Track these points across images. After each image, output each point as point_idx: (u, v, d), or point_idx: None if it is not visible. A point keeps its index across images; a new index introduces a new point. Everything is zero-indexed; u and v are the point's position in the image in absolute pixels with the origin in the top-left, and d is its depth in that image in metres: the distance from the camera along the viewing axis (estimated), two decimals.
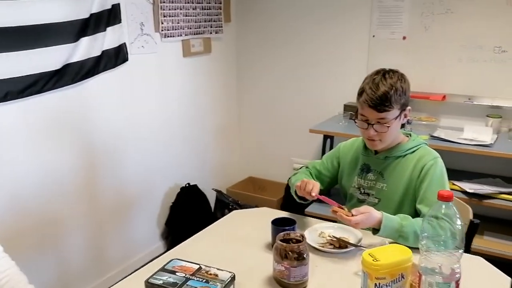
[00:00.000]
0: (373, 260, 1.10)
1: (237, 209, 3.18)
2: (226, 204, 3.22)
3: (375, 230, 1.43)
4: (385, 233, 1.40)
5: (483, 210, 2.39)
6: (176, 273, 1.22)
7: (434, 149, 1.61)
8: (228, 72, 3.51)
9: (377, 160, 1.63)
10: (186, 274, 1.21)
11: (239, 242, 1.54)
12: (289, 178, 1.82)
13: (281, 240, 1.29)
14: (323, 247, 1.46)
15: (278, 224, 1.47)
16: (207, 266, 1.26)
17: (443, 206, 1.03)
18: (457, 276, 1.05)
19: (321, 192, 1.82)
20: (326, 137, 2.96)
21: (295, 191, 1.66)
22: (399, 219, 1.42)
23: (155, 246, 3.02)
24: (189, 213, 3.01)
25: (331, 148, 3.09)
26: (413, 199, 1.56)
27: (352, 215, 1.40)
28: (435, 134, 2.56)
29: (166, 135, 2.98)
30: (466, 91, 2.73)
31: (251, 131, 3.66)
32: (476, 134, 2.49)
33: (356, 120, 1.58)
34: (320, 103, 3.25)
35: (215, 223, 1.72)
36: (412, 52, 2.86)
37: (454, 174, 2.31)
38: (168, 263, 1.29)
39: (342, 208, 1.50)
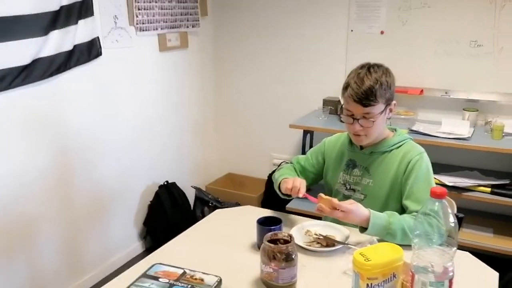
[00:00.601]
0: (365, 260, 1.08)
1: (217, 206, 3.14)
2: (205, 201, 3.16)
3: (363, 229, 1.41)
4: (373, 231, 1.39)
5: (461, 203, 2.41)
6: (159, 279, 1.16)
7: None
8: (206, 67, 3.43)
9: (362, 155, 1.61)
10: (169, 280, 1.16)
11: (223, 243, 1.49)
12: (273, 174, 1.78)
13: (268, 241, 1.25)
14: (310, 246, 1.43)
15: (264, 224, 1.43)
16: (192, 271, 1.21)
17: (436, 204, 1.01)
18: (450, 274, 1.03)
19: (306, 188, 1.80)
20: (306, 132, 2.94)
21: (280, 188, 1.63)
22: (387, 216, 1.41)
23: (133, 247, 2.93)
24: (168, 211, 2.93)
25: (311, 143, 3.07)
26: (399, 194, 1.55)
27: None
28: (414, 128, 2.58)
29: (142, 132, 2.89)
30: (443, 85, 2.75)
31: (229, 127, 3.60)
32: (454, 127, 2.52)
33: (341, 115, 1.56)
34: (300, 98, 3.22)
35: (197, 223, 1.66)
36: (390, 46, 2.86)
37: (432, 167, 2.31)
38: (150, 268, 1.23)
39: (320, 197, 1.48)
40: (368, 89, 1.44)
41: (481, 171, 2.62)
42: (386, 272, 1.09)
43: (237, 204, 3.17)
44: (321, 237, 1.46)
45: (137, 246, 2.96)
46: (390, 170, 1.55)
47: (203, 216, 3.12)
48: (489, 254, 2.28)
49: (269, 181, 3.28)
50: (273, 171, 3.29)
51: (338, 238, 1.47)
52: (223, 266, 1.34)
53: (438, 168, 2.62)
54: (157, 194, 2.96)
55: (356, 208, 1.39)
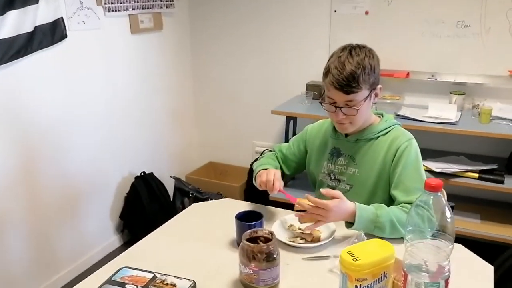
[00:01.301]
0: (353, 260, 0.97)
1: (197, 197, 3.02)
2: (185, 192, 3.04)
3: (349, 224, 1.31)
4: (360, 225, 1.28)
5: (449, 189, 2.33)
6: (126, 286, 1.04)
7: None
8: (182, 51, 3.27)
9: (347, 143, 1.51)
10: (137, 286, 1.04)
11: (200, 241, 1.37)
12: (253, 163, 1.67)
13: (247, 240, 1.13)
14: (293, 242, 1.32)
15: (243, 219, 1.32)
16: (163, 275, 1.09)
17: (431, 197, 0.91)
18: (446, 274, 0.93)
19: (288, 177, 1.70)
20: (289, 118, 2.83)
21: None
22: (374, 209, 1.31)
23: (110, 241, 2.80)
24: (145, 203, 2.80)
25: (294, 130, 2.96)
26: (387, 184, 1.45)
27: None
28: (400, 113, 2.49)
29: (115, 121, 2.73)
30: (429, 68, 2.66)
31: (209, 114, 3.46)
32: (441, 111, 2.43)
33: (323, 103, 1.44)
34: (282, 83, 3.10)
35: (172, 219, 1.54)
36: (375, 27, 2.75)
37: None
38: (116, 273, 1.10)
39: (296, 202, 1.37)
40: (349, 74, 1.32)
41: (468, 156, 2.55)
42: (376, 272, 0.99)
43: (219, 194, 3.05)
44: (307, 232, 1.36)
45: (114, 240, 2.83)
46: (377, 158, 1.45)
47: (183, 207, 3.00)
48: (477, 240, 2.23)
49: (252, 170, 3.17)
50: (256, 159, 3.21)
51: (324, 232, 1.36)
52: (199, 267, 1.22)
53: (424, 153, 2.47)
54: (133, 186, 2.82)
55: (336, 205, 1.28)
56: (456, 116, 2.38)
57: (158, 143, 3.14)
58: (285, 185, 1.66)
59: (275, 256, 1.11)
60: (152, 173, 2.92)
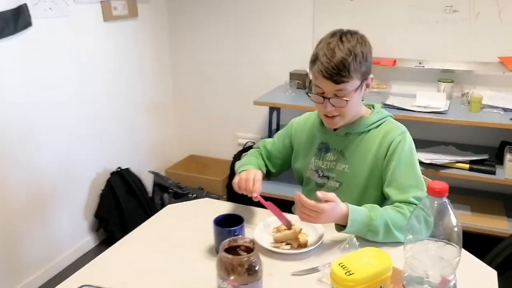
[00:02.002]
0: (346, 274, 0.86)
1: (177, 192, 2.89)
2: (165, 187, 2.91)
3: (340, 227, 1.20)
4: (353, 229, 1.17)
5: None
6: None
7: None
8: (159, 40, 3.10)
9: (336, 137, 1.39)
10: None
11: (174, 249, 1.24)
12: (235, 157, 1.54)
13: (226, 250, 1.01)
14: (278, 247, 1.20)
15: (222, 223, 1.19)
16: None
17: (435, 203, 0.80)
18: (451, 284, 0.83)
19: (273, 175, 1.57)
20: (272, 109, 2.70)
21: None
22: (367, 211, 1.20)
23: (84, 241, 2.65)
24: (122, 200, 2.65)
25: (278, 121, 2.84)
26: (380, 181, 1.34)
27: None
28: (388, 102, 2.38)
29: (88, 114, 2.56)
30: (416, 55, 2.56)
31: (189, 105, 3.30)
32: (429, 100, 2.34)
33: (309, 94, 1.32)
34: (264, 72, 2.96)
35: (144, 223, 1.40)
36: (360, 14, 2.63)
37: None
38: None
39: (289, 226, 1.26)
40: (340, 62, 1.20)
41: (457, 145, 2.48)
42: (372, 286, 0.88)
43: (200, 189, 2.93)
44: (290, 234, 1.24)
45: (88, 241, 2.68)
46: (369, 154, 1.34)
47: (163, 203, 2.87)
48: (468, 233, 2.15)
49: (235, 163, 3.04)
50: (239, 152, 3.09)
51: (311, 236, 1.25)
52: (172, 278, 1.10)
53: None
54: (108, 182, 2.67)
55: (330, 208, 1.16)
56: (445, 105, 2.29)
57: (135, 136, 2.98)
58: (268, 179, 1.55)
59: (256, 268, 0.98)
60: (128, 169, 2.77)
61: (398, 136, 1.31)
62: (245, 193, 1.32)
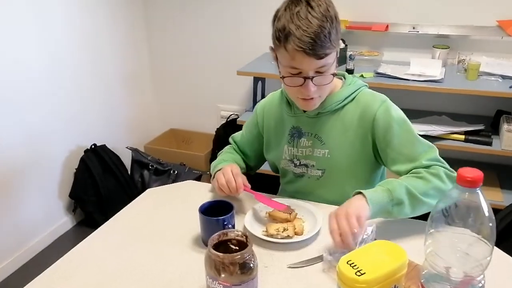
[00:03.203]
0: (356, 273, 0.74)
1: (158, 169, 2.73)
2: (145, 164, 2.74)
3: None
4: (375, 209, 1.01)
5: None
6: None
7: (381, 88, 1.30)
8: (134, 7, 2.85)
9: (307, 119, 1.22)
10: None
11: (155, 239, 1.10)
12: (212, 163, 1.36)
13: (215, 246, 0.88)
14: (271, 236, 1.07)
15: (209, 211, 1.06)
16: None
17: (466, 194, 0.67)
18: (479, 286, 0.72)
19: (254, 169, 1.43)
20: (257, 79, 2.54)
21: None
22: (381, 187, 1.06)
23: (60, 223, 2.49)
24: (98, 179, 2.48)
25: (263, 92, 2.69)
26: (367, 161, 1.21)
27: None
28: (380, 71, 2.24)
29: (57, 86, 2.35)
30: (410, 20, 2.40)
31: (168, 76, 3.10)
32: (424, 68, 2.20)
33: (283, 78, 1.11)
34: (247, 40, 2.77)
35: (121, 211, 1.25)
36: None
37: None
38: None
39: (290, 211, 1.13)
40: (320, 32, 1.02)
41: (450, 115, 2.37)
42: (386, 287, 0.76)
43: (182, 165, 2.77)
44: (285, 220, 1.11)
45: (65, 222, 2.52)
46: (349, 132, 1.18)
47: (143, 181, 2.71)
48: None
49: (218, 137, 2.89)
50: (222, 125, 2.93)
51: (309, 221, 1.13)
52: (154, 277, 0.96)
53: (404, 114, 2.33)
54: (82, 160, 2.48)
55: (341, 207, 1.00)
56: (440, 73, 2.16)
57: (110, 111, 2.78)
58: (250, 173, 1.41)
59: (251, 266, 0.86)
60: (104, 145, 2.59)
61: (380, 107, 1.15)
62: (228, 193, 1.16)
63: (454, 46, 2.34)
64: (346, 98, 1.18)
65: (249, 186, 1.19)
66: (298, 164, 1.26)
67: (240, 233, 0.90)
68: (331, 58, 1.07)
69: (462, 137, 2.12)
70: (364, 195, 1.02)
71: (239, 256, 0.83)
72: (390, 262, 0.77)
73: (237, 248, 0.91)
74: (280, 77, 1.12)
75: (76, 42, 2.44)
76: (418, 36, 2.42)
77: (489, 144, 2.07)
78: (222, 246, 0.90)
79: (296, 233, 1.08)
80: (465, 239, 0.69)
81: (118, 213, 1.23)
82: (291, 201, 1.20)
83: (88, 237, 1.13)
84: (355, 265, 0.76)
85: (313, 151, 1.23)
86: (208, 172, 2.80)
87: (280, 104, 1.28)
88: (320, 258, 1.01)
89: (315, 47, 1.02)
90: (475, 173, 0.66)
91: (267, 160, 1.39)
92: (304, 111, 1.21)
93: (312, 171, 1.25)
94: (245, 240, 0.89)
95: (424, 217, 1.10)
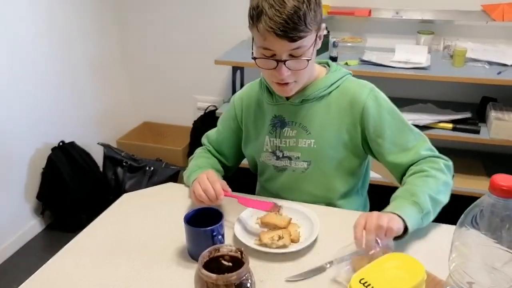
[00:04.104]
0: None
1: (133, 165, 2.58)
2: (118, 161, 2.58)
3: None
4: (412, 223, 0.94)
5: None
6: None
7: (366, 76, 1.25)
8: None
9: (291, 107, 1.14)
10: None
11: (134, 253, 0.98)
12: (184, 173, 1.25)
13: (205, 264, 0.76)
14: (266, 246, 0.97)
15: (195, 221, 0.94)
16: None
17: (500, 204, 0.58)
18: None
19: (231, 170, 1.32)
20: (235, 69, 2.41)
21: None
22: (403, 198, 0.99)
23: (28, 226, 2.31)
24: (68, 179, 2.31)
25: (241, 81, 2.56)
26: (355, 150, 1.14)
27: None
28: (365, 58, 2.15)
29: (19, 80, 2.16)
30: (393, 4, 2.32)
31: (140, 66, 2.92)
32: (410, 54, 2.13)
33: (255, 59, 1.04)
34: (225, 27, 2.62)
35: (94, 221, 1.11)
36: None
37: None
38: None
39: (277, 208, 1.04)
40: (293, 13, 0.94)
41: (435, 102, 2.31)
42: None
43: (159, 161, 2.63)
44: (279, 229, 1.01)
45: (33, 225, 2.34)
46: (335, 120, 1.12)
47: (117, 179, 2.55)
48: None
49: (195, 129, 2.76)
50: (199, 118, 2.80)
51: (304, 227, 1.03)
52: None
53: None
54: (50, 159, 2.31)
55: (369, 214, 0.92)
56: (426, 60, 2.09)
57: (79, 104, 2.59)
58: (229, 176, 1.29)
59: (248, 285, 0.75)
60: (73, 142, 2.41)
61: (369, 96, 1.09)
62: (209, 204, 1.03)
63: (438, 32, 2.27)
64: (331, 85, 1.12)
65: (229, 190, 1.08)
66: (281, 156, 1.18)
67: (234, 248, 0.79)
68: (307, 42, 1.00)
69: (450, 125, 2.06)
70: (400, 217, 0.93)
71: (235, 277, 0.72)
72: (408, 279, 0.68)
73: (230, 264, 0.80)
74: (252, 58, 1.04)
75: (38, 28, 2.24)
76: (402, 22, 2.34)
77: (477, 132, 2.03)
78: (213, 262, 0.80)
79: (292, 241, 0.98)
80: (495, 253, 0.60)
81: (91, 224, 1.09)
82: (292, 206, 1.09)
83: (58, 253, 1.00)
84: (368, 284, 0.66)
85: (298, 142, 1.15)
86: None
87: (258, 94, 1.20)
88: (321, 269, 0.91)
89: (287, 28, 0.95)
90: (510, 181, 0.56)
91: (246, 155, 1.29)
92: (287, 99, 1.14)
93: (297, 163, 1.16)
94: (240, 256, 0.78)
95: (439, 219, 1.05)
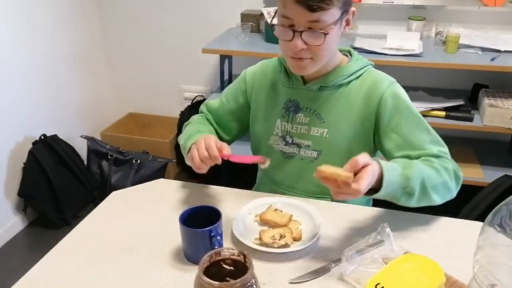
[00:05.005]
0: None
1: (118, 158, 2.50)
2: (103, 154, 2.50)
3: (369, 190, 0.87)
4: (386, 192, 0.89)
5: None
6: None
7: None
8: None
9: (308, 92, 1.09)
10: None
11: (126, 255, 0.92)
12: (179, 137, 1.19)
13: (206, 270, 0.71)
14: (267, 245, 0.91)
15: (191, 220, 0.88)
16: None
17: None
18: None
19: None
20: (223, 57, 2.33)
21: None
22: (401, 168, 0.93)
23: (9, 224, 2.22)
24: (50, 173, 2.22)
25: (230, 71, 2.49)
26: (367, 143, 1.09)
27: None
28: (356, 45, 2.10)
29: None
30: None
31: (123, 54, 2.81)
32: (402, 41, 2.08)
33: (273, 26, 1.00)
34: (212, 14, 2.53)
35: (82, 221, 1.04)
36: None
37: None
38: None
39: (265, 159, 0.98)
40: None
41: (426, 90, 2.28)
42: None
43: (145, 153, 2.55)
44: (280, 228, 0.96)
45: (15, 223, 2.25)
46: (352, 112, 1.07)
47: (102, 173, 2.47)
48: None
49: (182, 120, 2.67)
50: (187, 108, 2.71)
51: (305, 224, 0.98)
52: None
53: None
54: (31, 154, 2.21)
55: (372, 173, 0.84)
56: (419, 46, 2.05)
57: (60, 96, 2.49)
58: None
59: None
60: (55, 135, 2.31)
61: (389, 88, 1.05)
62: (210, 164, 0.97)
63: (430, 18, 2.23)
64: (352, 74, 1.06)
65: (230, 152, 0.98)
66: (290, 142, 1.13)
67: (236, 251, 0.74)
68: (328, 16, 0.94)
69: (443, 113, 2.04)
70: (384, 171, 0.88)
71: (239, 284, 0.67)
72: (425, 283, 0.63)
73: (231, 268, 0.75)
74: (270, 24, 1.01)
75: (16, 19, 2.12)
76: (393, 8, 2.29)
77: (470, 120, 2.00)
78: (213, 266, 0.74)
79: (294, 239, 0.93)
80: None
81: (78, 225, 1.02)
82: (293, 202, 1.04)
83: (44, 257, 0.93)
84: None
85: (310, 130, 1.10)
86: (174, 160, 2.59)
87: (274, 73, 1.15)
88: (326, 268, 0.86)
89: None
90: None
91: (253, 135, 1.21)
92: (305, 83, 1.08)
93: (306, 152, 1.12)
94: (242, 260, 0.73)
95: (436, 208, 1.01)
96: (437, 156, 1.01)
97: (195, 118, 1.24)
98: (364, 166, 0.83)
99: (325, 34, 0.94)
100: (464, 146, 2.33)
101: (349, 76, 1.07)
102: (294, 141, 1.12)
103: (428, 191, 0.95)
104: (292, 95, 1.11)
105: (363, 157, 0.84)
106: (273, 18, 1.01)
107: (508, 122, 1.93)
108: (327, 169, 0.81)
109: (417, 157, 1.01)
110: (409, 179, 0.91)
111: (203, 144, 0.97)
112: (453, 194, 1.00)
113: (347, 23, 1.01)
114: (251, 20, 2.33)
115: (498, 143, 2.36)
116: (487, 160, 2.20)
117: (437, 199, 0.97)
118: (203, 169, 0.98)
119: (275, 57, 1.16)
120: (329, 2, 0.92)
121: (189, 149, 1.04)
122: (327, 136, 1.09)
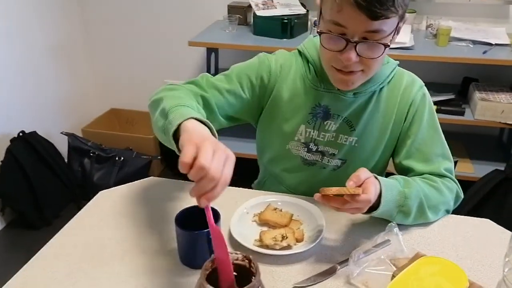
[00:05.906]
0: None
1: (101, 156, 2.41)
2: (84, 151, 2.41)
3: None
4: (383, 210, 0.85)
5: None
6: None
7: None
8: None
9: (341, 99, 0.98)
10: None
11: (116, 260, 0.85)
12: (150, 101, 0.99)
13: (209, 277, 0.65)
14: (268, 247, 0.86)
15: (187, 221, 0.82)
16: None
17: None
18: None
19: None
20: (209, 50, 2.26)
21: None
22: (399, 185, 0.89)
23: None
24: (30, 172, 2.12)
25: (216, 65, 2.41)
26: (389, 149, 1.04)
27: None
28: None
29: None
30: None
31: (105, 47, 2.71)
32: None
33: (320, 33, 0.86)
34: (197, 6, 2.46)
35: (68, 223, 0.97)
36: None
37: None
38: None
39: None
40: None
41: None
42: None
43: (129, 150, 2.46)
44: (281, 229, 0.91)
45: None
46: (382, 117, 1.00)
47: (84, 171, 2.38)
48: None
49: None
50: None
51: (307, 225, 0.93)
52: None
53: None
54: (9, 151, 2.10)
55: (375, 188, 0.81)
56: (410, 39, 2.03)
57: (40, 91, 2.38)
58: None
59: None
60: (34, 132, 2.21)
61: (419, 91, 0.99)
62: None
63: (421, 10, 2.21)
64: (385, 78, 0.98)
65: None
66: (314, 149, 1.03)
67: (240, 256, 0.68)
68: (388, 27, 0.82)
69: (435, 107, 2.01)
70: (383, 188, 0.84)
71: None
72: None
73: (235, 274, 0.69)
74: (317, 32, 0.87)
75: None
76: None
77: (462, 114, 1.99)
78: (215, 271, 0.68)
79: (296, 240, 0.88)
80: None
81: (64, 226, 0.95)
82: (293, 200, 0.98)
83: (28, 262, 0.85)
84: None
85: (337, 137, 1.01)
86: (159, 157, 2.51)
87: (301, 71, 1.01)
88: (331, 271, 0.82)
89: (374, 1, 0.77)
90: None
91: (262, 135, 1.08)
92: (339, 88, 0.96)
93: (330, 160, 1.03)
94: (247, 265, 0.67)
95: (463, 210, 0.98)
96: (442, 176, 0.98)
97: (178, 88, 0.97)
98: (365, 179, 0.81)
99: (386, 47, 0.83)
100: (453, 141, 2.31)
101: (383, 82, 0.98)
102: (318, 149, 1.03)
103: (425, 211, 0.91)
104: (322, 100, 0.99)
105: (363, 172, 0.82)
106: (318, 23, 0.88)
107: (500, 116, 1.92)
108: (330, 189, 0.78)
109: (420, 173, 0.98)
110: (407, 197, 0.88)
111: (209, 155, 0.65)
112: (450, 211, 0.98)
113: (398, 32, 0.88)
114: (239, 12, 2.27)
115: (487, 137, 2.36)
116: (476, 154, 2.20)
117: (431, 216, 0.93)
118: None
119: (294, 51, 1.04)
120: (393, 10, 0.79)
121: (175, 130, 0.76)
122: (356, 145, 1.01)
